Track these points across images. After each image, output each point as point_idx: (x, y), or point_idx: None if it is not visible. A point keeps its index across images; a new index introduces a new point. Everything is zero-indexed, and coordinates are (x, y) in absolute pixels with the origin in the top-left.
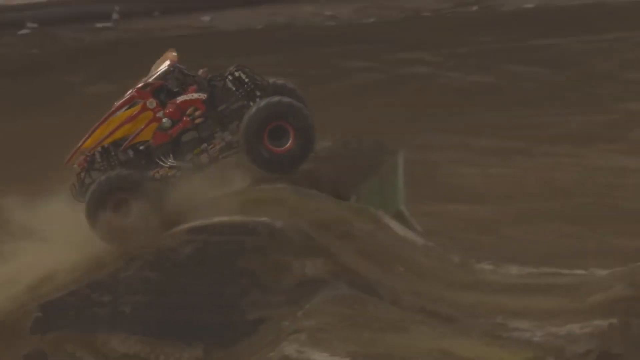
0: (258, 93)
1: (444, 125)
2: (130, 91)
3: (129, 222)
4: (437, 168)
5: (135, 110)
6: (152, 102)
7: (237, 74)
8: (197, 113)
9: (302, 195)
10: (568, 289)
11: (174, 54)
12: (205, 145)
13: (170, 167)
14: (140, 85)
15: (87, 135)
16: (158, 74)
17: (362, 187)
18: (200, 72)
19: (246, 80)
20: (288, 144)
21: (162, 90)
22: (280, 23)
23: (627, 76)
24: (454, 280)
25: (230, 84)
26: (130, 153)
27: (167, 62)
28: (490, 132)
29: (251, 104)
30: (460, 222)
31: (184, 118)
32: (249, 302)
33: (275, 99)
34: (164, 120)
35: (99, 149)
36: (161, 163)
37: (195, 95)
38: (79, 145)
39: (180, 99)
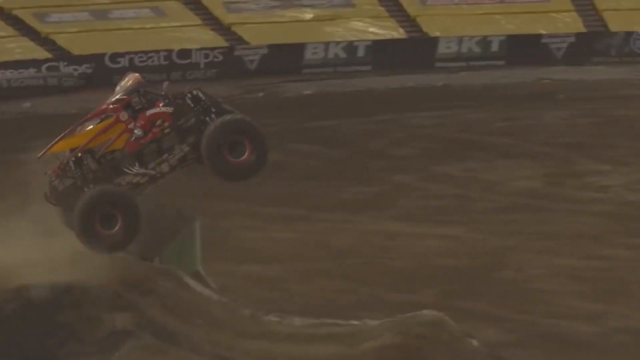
0: (213, 110)
1: (235, 195)
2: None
3: (115, 234)
4: (230, 233)
5: (108, 122)
6: (124, 115)
7: (195, 92)
8: (166, 124)
9: (113, 257)
10: (345, 337)
11: (137, 74)
12: (166, 155)
13: (136, 175)
14: (112, 100)
15: (56, 140)
16: (128, 90)
17: (165, 250)
18: (165, 85)
19: (203, 98)
20: (245, 156)
21: (132, 105)
22: (91, 108)
23: (395, 153)
24: (246, 330)
25: (189, 101)
26: (95, 163)
27: (133, 81)
28: (276, 201)
29: (207, 119)
30: (250, 280)
31: (154, 129)
32: (67, 352)
33: (232, 116)
34: (136, 131)
35: (73, 157)
36: (127, 171)
37: (163, 109)
38: (49, 147)
39: (149, 112)
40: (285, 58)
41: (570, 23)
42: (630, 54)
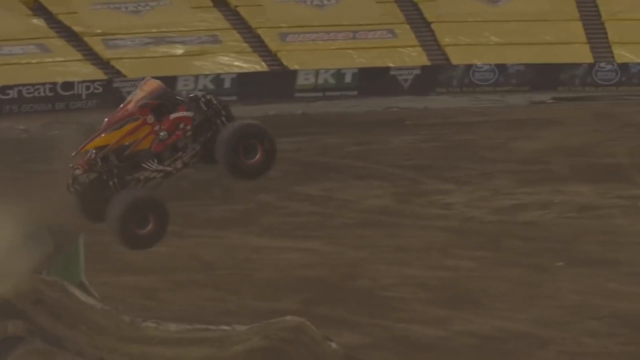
0: (223, 113)
1: None
2: (124, 107)
3: (148, 233)
4: (111, 247)
5: (136, 124)
6: (150, 118)
7: (208, 97)
8: (187, 127)
9: (4, 272)
10: (216, 341)
11: (158, 81)
12: (180, 153)
13: (154, 170)
14: (141, 104)
15: (89, 140)
16: (153, 95)
17: (52, 263)
18: (185, 93)
19: (215, 102)
20: (257, 157)
21: (157, 109)
22: None
23: None
24: (126, 335)
25: (202, 105)
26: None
27: (156, 86)
28: None
29: (218, 121)
30: (129, 289)
31: (177, 132)
32: None
33: (248, 122)
34: (162, 133)
35: (101, 155)
36: (147, 167)
37: (186, 113)
38: (82, 146)
39: (173, 115)
40: None
41: (416, 57)
42: (470, 84)
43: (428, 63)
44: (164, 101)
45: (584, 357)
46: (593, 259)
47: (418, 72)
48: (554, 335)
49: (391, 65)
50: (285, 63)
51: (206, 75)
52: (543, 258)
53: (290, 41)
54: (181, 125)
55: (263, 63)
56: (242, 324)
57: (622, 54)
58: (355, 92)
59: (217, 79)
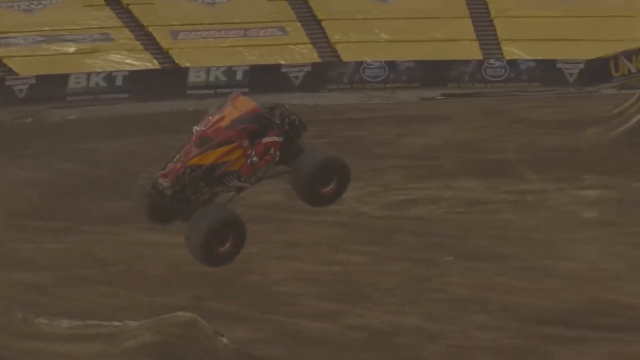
0: (302, 133)
1: (7, 211)
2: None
3: (225, 250)
4: (3, 244)
5: (231, 146)
6: (245, 142)
7: (293, 117)
8: (277, 153)
9: None
10: (108, 337)
11: (249, 100)
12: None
13: (232, 186)
14: (240, 128)
15: (190, 157)
16: (249, 118)
17: None
18: (277, 113)
19: (297, 123)
20: (331, 186)
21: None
22: None
23: (150, 171)
24: (18, 331)
25: (286, 126)
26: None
27: (252, 108)
28: (44, 215)
29: (297, 142)
30: (21, 286)
31: (267, 156)
32: None
33: (332, 156)
34: (254, 158)
35: (188, 170)
36: (227, 182)
37: (276, 139)
38: (183, 163)
39: (265, 140)
40: (51, 87)
41: (307, 54)
42: (360, 81)
43: (319, 60)
44: (260, 126)
45: (473, 351)
46: (482, 253)
47: (309, 69)
48: (443, 329)
49: (282, 62)
50: (176, 60)
51: (98, 73)
52: (433, 252)
53: (181, 39)
54: (271, 151)
55: (155, 61)
56: (134, 319)
57: (511, 51)
58: (246, 89)
59: (109, 77)
